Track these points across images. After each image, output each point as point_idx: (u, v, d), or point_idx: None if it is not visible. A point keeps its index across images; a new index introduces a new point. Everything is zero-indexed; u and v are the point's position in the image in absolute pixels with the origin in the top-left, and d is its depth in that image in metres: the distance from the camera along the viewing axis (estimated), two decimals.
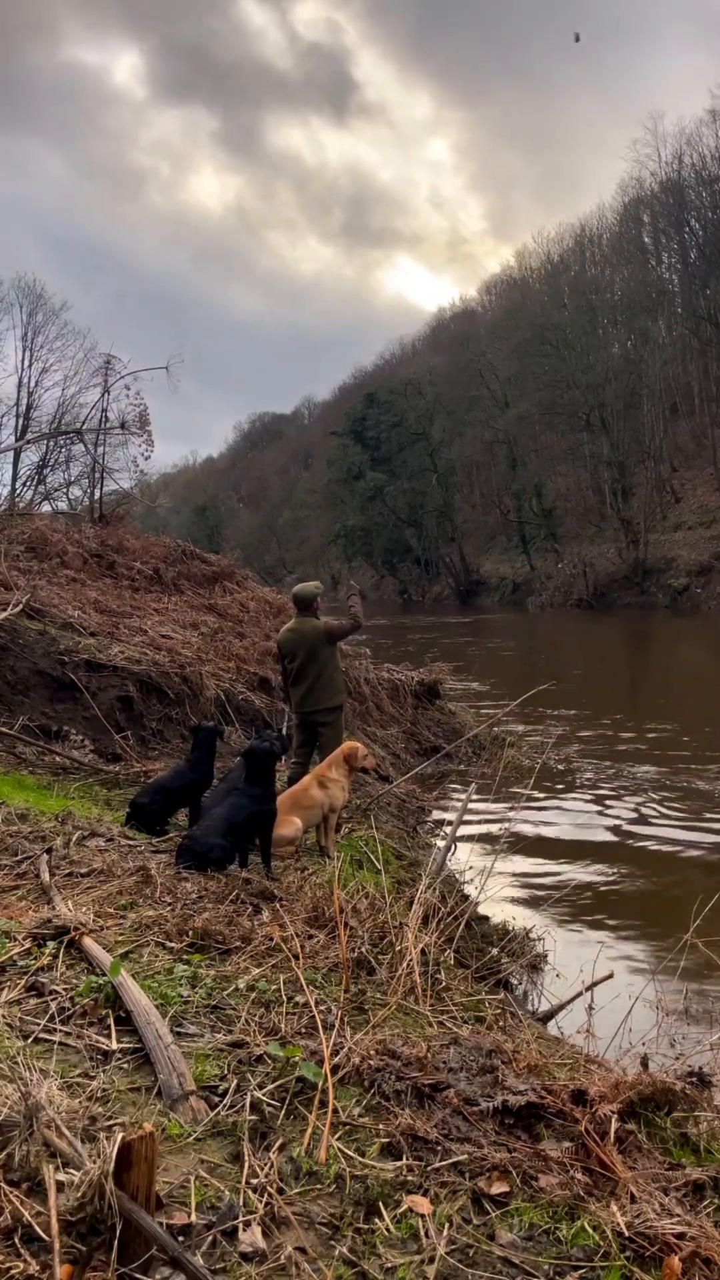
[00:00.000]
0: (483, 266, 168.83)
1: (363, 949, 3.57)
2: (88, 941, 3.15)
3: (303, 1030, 2.75)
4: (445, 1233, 1.88)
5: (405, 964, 3.43)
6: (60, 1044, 2.52)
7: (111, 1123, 2.09)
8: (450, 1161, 2.13)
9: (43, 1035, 2.55)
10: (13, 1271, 1.60)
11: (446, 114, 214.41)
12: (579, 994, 4.53)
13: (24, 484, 31.49)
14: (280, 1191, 1.95)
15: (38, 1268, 1.61)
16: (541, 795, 8.87)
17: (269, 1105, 2.29)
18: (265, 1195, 1.92)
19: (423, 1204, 1.97)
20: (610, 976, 4.60)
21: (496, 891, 6.13)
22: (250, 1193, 1.93)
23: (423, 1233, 1.88)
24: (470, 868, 6.79)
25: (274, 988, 3.05)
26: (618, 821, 8.38)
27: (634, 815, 8.55)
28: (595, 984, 4.46)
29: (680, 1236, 1.90)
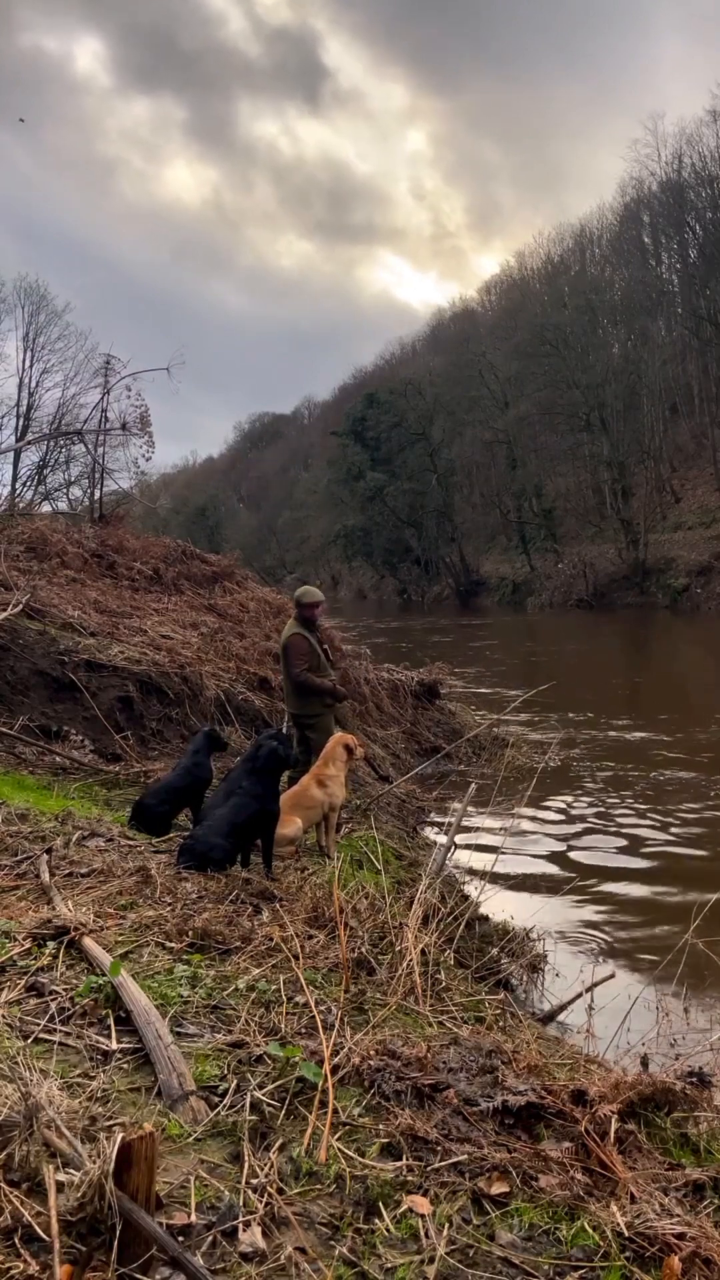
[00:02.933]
0: (469, 261, 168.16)
1: (363, 949, 3.57)
2: (88, 941, 3.15)
3: (303, 1030, 2.75)
4: (445, 1233, 1.88)
5: (405, 964, 3.43)
6: (60, 1044, 2.52)
7: (111, 1123, 2.09)
8: (450, 1161, 2.13)
9: (43, 1035, 2.55)
10: (13, 1271, 1.60)
11: (422, 104, 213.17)
12: (579, 994, 4.53)
13: (24, 484, 31.52)
14: (280, 1191, 1.95)
15: (38, 1268, 1.61)
16: (542, 796, 8.86)
17: (269, 1105, 2.29)
18: (265, 1195, 1.92)
19: (423, 1204, 1.97)
20: (611, 976, 4.61)
21: (496, 892, 6.14)
22: (250, 1193, 1.93)
23: (423, 1233, 1.88)
24: (470, 868, 6.79)
25: (274, 988, 3.05)
26: (618, 822, 8.38)
27: (635, 815, 8.55)
28: (595, 984, 4.47)
29: (680, 1236, 1.90)
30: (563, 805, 8.99)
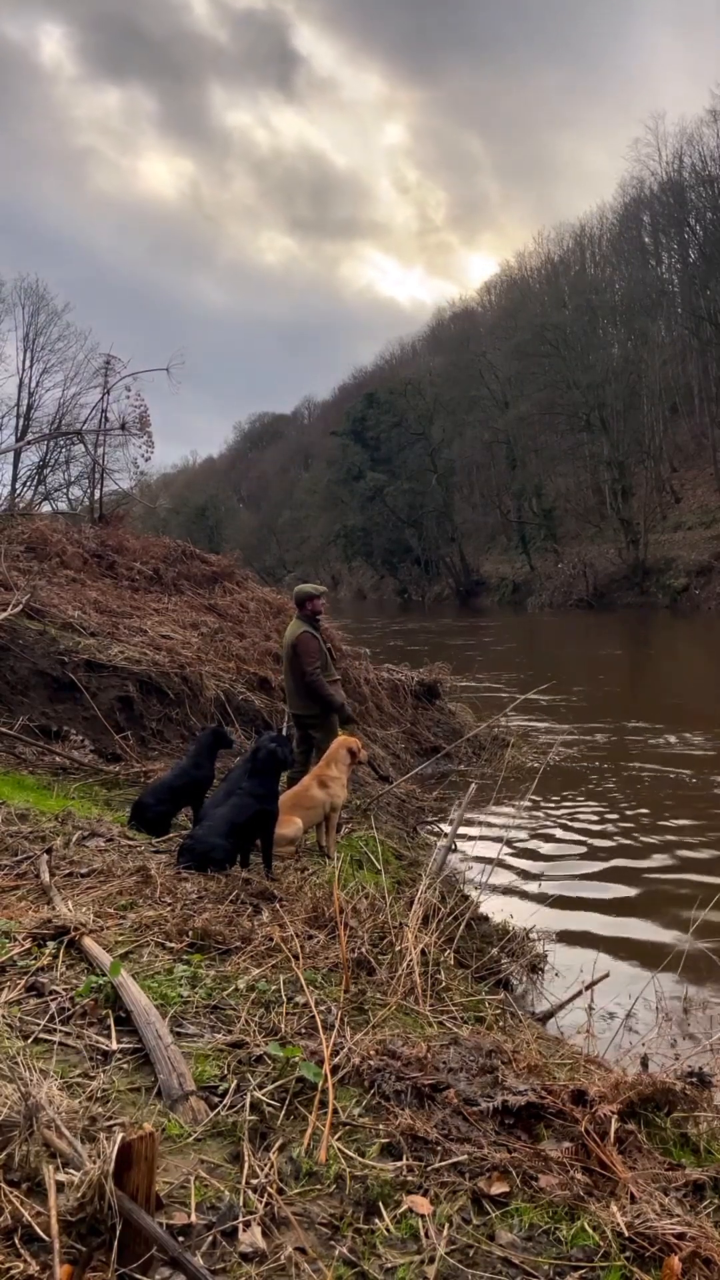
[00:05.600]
0: (456, 256, 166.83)
1: (363, 949, 3.57)
2: (88, 941, 3.15)
3: (303, 1030, 2.75)
4: (445, 1233, 1.88)
5: (405, 964, 3.43)
6: (60, 1044, 2.52)
7: (111, 1123, 2.09)
8: (450, 1161, 2.13)
9: (43, 1035, 2.55)
10: (13, 1271, 1.60)
11: (400, 94, 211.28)
12: (578, 993, 4.54)
13: (24, 484, 31.57)
14: (280, 1191, 1.95)
15: (38, 1268, 1.61)
16: (541, 796, 8.86)
17: (269, 1105, 2.29)
18: (265, 1195, 1.92)
19: (423, 1204, 1.97)
20: (607, 976, 4.61)
21: (497, 891, 6.14)
22: (250, 1193, 1.93)
23: (423, 1233, 1.88)
24: (470, 868, 6.79)
25: (274, 988, 3.05)
26: (618, 822, 8.38)
27: (634, 815, 8.55)
28: (593, 984, 4.47)
29: (680, 1236, 1.90)
30: (565, 805, 8.99)
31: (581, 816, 8.61)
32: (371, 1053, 2.54)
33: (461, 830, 7.21)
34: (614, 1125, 2.26)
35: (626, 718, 13.55)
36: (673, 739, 11.91)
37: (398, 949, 3.61)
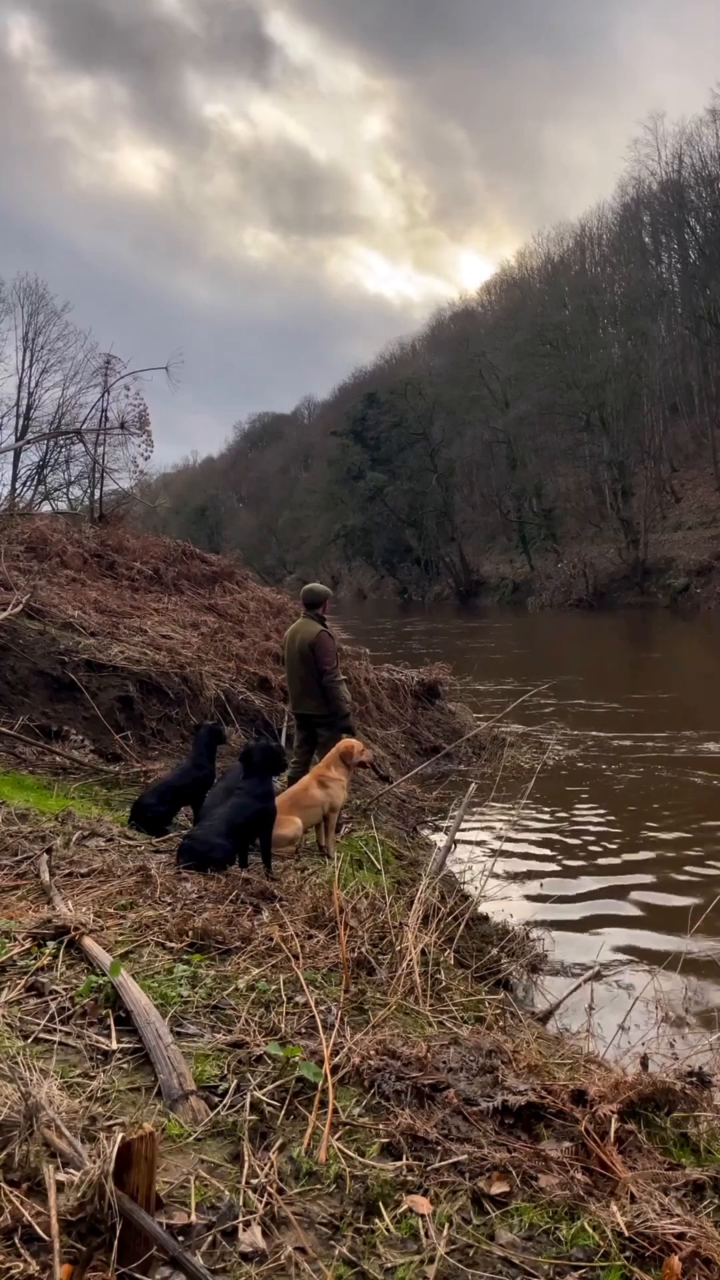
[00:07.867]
0: (446, 250, 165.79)
1: (363, 949, 3.57)
2: (88, 941, 3.15)
3: (303, 1030, 2.75)
4: (445, 1233, 1.88)
5: (405, 964, 3.43)
6: (60, 1044, 2.52)
7: (111, 1123, 2.09)
8: (450, 1161, 2.13)
9: (43, 1035, 2.55)
10: (13, 1271, 1.60)
11: (378, 84, 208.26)
12: (576, 988, 4.54)
13: (24, 484, 31.53)
14: (280, 1191, 1.95)
15: (38, 1268, 1.61)
16: (542, 795, 8.86)
17: (269, 1105, 2.29)
18: (265, 1195, 1.92)
19: (423, 1204, 1.97)
20: (598, 975, 4.62)
21: (496, 891, 6.14)
22: (250, 1193, 1.93)
23: (423, 1233, 1.88)
24: (470, 868, 6.79)
25: (274, 988, 3.05)
26: (619, 821, 8.38)
27: (636, 815, 8.55)
28: (589, 978, 4.48)
29: (680, 1236, 1.90)
30: (566, 805, 8.99)
31: (582, 816, 8.61)
32: (371, 1053, 2.54)
33: (461, 830, 7.20)
34: (614, 1125, 2.26)
35: (630, 718, 13.55)
36: (676, 740, 11.91)
37: (398, 949, 3.61)
